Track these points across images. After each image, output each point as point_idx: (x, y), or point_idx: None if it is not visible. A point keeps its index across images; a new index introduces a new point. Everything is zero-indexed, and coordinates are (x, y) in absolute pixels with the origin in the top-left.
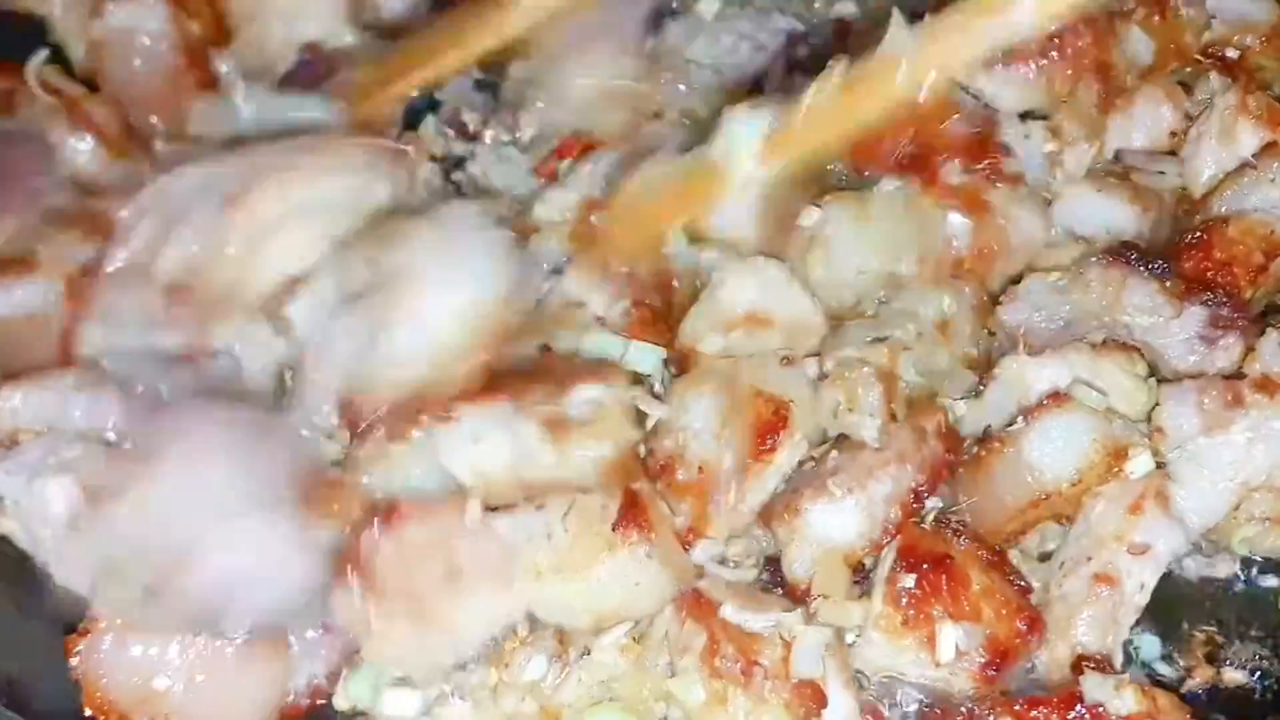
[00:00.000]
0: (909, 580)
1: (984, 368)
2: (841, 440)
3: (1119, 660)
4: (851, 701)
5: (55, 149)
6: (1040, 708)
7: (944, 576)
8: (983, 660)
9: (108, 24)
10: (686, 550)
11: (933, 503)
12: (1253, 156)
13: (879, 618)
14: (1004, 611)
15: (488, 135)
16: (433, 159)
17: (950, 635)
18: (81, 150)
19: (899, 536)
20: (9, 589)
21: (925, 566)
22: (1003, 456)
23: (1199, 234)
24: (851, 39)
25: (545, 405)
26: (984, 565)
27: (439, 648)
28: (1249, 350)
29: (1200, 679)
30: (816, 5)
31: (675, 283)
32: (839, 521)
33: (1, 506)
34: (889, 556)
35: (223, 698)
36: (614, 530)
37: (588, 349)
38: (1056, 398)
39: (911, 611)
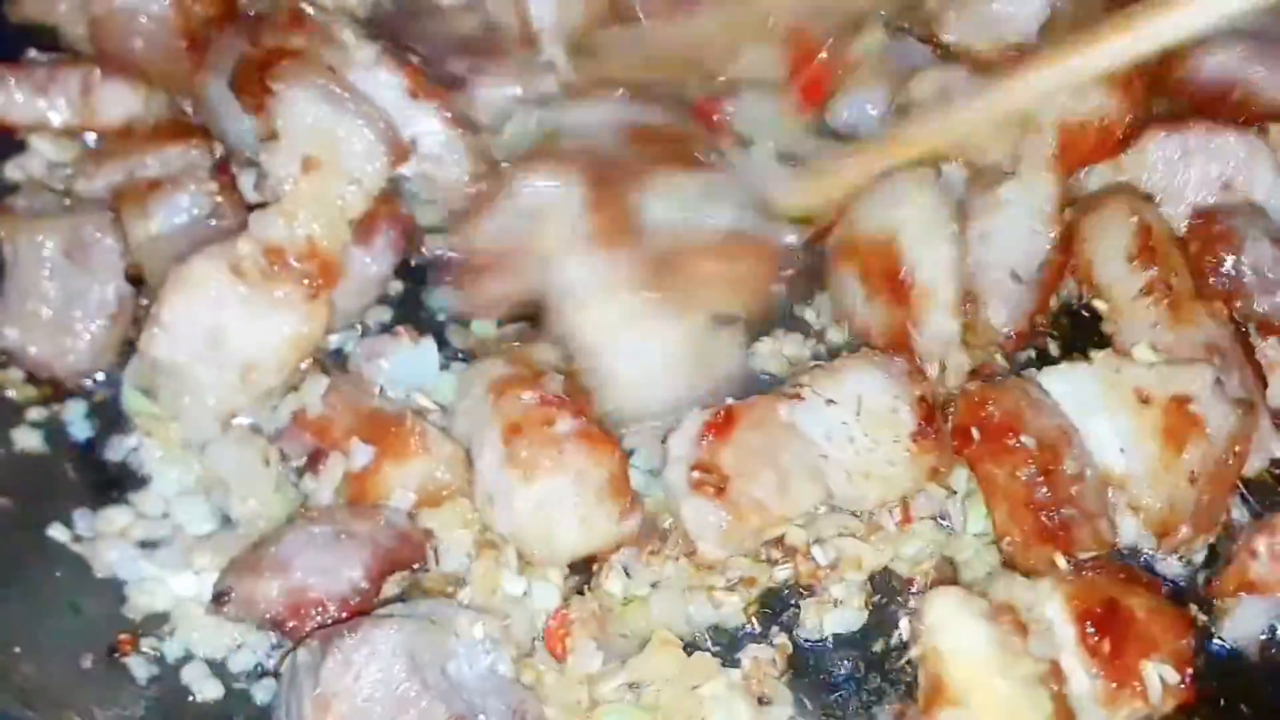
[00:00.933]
0: (1105, 644)
1: None
2: None
3: None
4: None
5: None
6: None
7: (1122, 620)
8: (1178, 679)
9: (111, 3)
10: None
11: None
12: None
13: (1096, 697)
14: (1167, 620)
15: None
16: None
17: (1154, 674)
18: None
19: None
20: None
21: (1101, 616)
22: None
23: None
24: None
25: None
26: (1134, 588)
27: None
28: None
29: None
30: None
31: None
32: None
33: None
34: (1068, 625)
35: None
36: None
37: None
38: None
39: (1116, 673)
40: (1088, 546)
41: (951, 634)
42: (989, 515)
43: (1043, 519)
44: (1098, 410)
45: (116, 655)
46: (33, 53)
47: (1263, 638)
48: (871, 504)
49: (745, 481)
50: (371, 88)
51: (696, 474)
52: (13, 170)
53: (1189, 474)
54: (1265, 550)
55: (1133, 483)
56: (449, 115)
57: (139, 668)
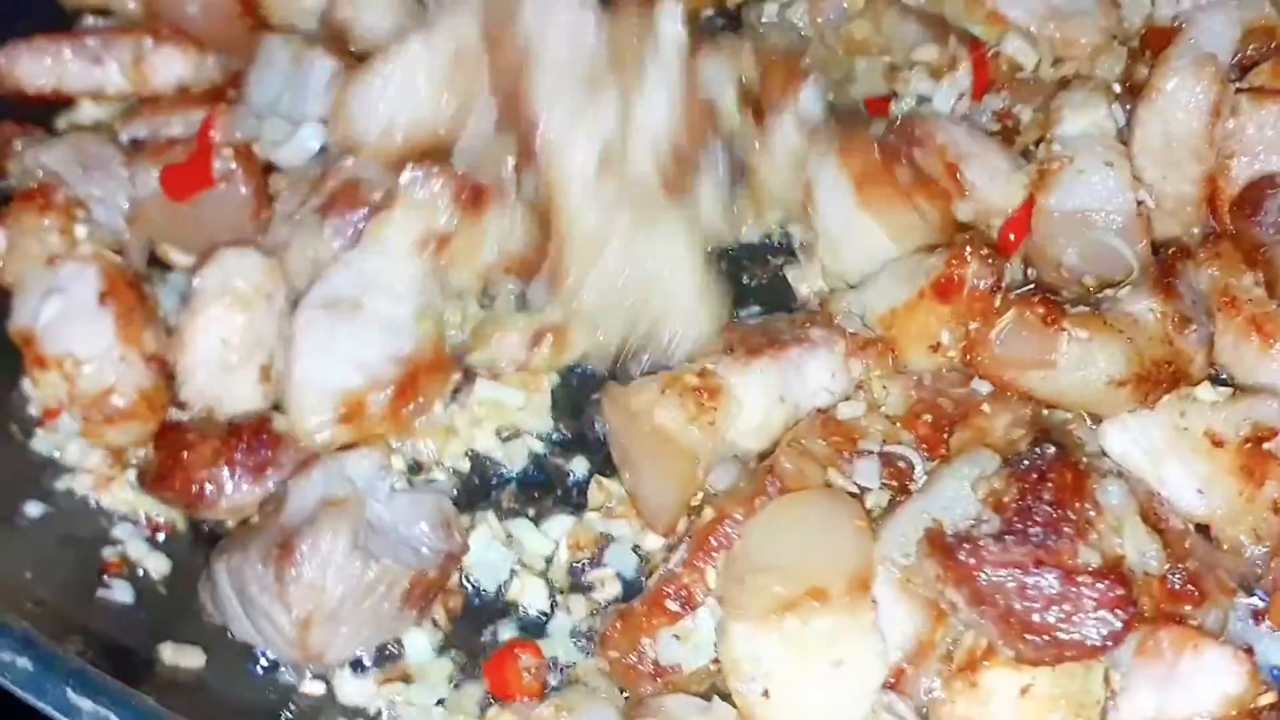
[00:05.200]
0: None
1: None
2: None
3: None
4: None
5: None
6: None
7: None
8: None
9: None
10: None
11: None
12: None
13: None
14: None
15: None
16: None
17: None
18: None
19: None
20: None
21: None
22: None
23: None
24: None
25: None
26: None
27: None
28: None
29: None
30: None
31: None
32: None
33: None
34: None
35: None
36: None
37: None
38: None
39: None
40: (1218, 599)
41: None
42: None
43: (1169, 579)
44: (1169, 456)
45: (105, 576)
46: (89, 19)
47: None
48: None
49: None
50: None
51: None
52: (63, 124)
53: (1273, 503)
54: None
55: (1215, 522)
56: None
57: (123, 592)
